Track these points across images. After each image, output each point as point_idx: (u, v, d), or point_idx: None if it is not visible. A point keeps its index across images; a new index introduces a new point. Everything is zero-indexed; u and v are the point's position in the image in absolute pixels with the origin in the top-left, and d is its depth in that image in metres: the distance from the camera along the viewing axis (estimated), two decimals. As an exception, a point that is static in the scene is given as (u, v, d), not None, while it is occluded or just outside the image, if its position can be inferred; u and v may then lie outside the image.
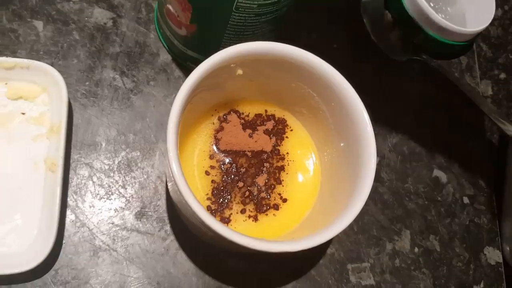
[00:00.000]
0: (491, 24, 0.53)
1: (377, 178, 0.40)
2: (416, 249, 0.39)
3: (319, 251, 0.37)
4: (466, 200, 0.42)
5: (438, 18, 0.43)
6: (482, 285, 0.40)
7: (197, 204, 0.27)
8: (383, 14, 0.45)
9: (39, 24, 0.38)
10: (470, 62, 0.47)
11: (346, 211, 0.29)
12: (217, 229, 0.27)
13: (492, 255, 0.41)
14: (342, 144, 0.33)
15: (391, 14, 0.46)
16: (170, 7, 0.34)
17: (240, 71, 0.33)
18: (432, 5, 0.46)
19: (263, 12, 0.32)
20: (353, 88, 0.30)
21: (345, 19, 0.45)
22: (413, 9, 0.44)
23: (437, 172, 0.42)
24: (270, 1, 0.31)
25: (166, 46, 0.40)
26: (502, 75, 0.52)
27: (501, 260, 0.41)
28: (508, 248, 0.42)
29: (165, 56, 0.39)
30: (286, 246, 0.27)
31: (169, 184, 0.34)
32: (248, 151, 0.36)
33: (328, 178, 0.35)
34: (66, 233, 0.34)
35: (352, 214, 0.29)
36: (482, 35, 0.52)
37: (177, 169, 0.27)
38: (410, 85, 0.45)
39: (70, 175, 0.35)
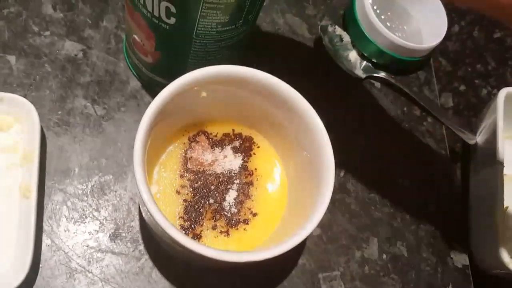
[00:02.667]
0: (449, 39, 0.56)
1: (344, 190, 0.42)
2: (384, 256, 0.41)
3: (291, 262, 0.39)
4: (431, 206, 0.44)
5: (392, 36, 0.46)
6: (450, 288, 0.41)
7: (165, 221, 0.28)
8: (341, 35, 0.48)
9: (12, 58, 0.40)
10: (428, 76, 0.50)
11: (308, 220, 0.30)
12: (186, 244, 0.28)
13: (459, 258, 0.43)
14: (304, 153, 0.34)
15: (349, 35, 0.48)
16: (136, 36, 0.36)
17: (204, 94, 0.35)
18: (388, 24, 0.49)
19: (222, 38, 0.34)
20: (308, 103, 0.32)
21: (307, 42, 0.48)
22: (369, 29, 0.47)
23: (400, 181, 0.44)
24: (227, 28, 0.33)
25: (135, 73, 0.41)
26: (462, 87, 0.55)
27: (468, 263, 0.43)
28: (476, 252, 0.44)
29: (134, 83, 0.41)
30: (247, 256, 0.29)
31: (140, 204, 0.36)
32: (217, 169, 0.37)
33: (294, 190, 0.37)
34: (42, 257, 0.35)
35: (314, 221, 0.30)
36: (441, 50, 0.55)
37: (145, 190, 0.28)
38: (371, 100, 0.47)
39: (44, 201, 0.36)
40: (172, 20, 0.32)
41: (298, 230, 0.30)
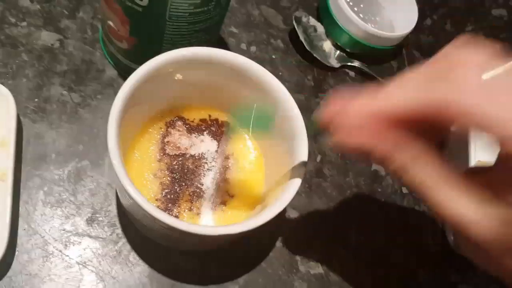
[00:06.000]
0: (422, 32, 0.58)
1: (320, 174, 0.43)
2: (361, 238, 0.41)
3: (269, 244, 0.39)
4: (405, 190, 0.45)
5: (365, 25, 0.47)
6: (426, 270, 0.42)
7: (140, 196, 0.28)
8: (315, 26, 0.49)
9: (-12, 49, 0.40)
10: (401, 66, 0.51)
11: (285, 193, 0.31)
12: (164, 219, 0.28)
13: (435, 241, 0.44)
14: (278, 131, 0.35)
15: (323, 26, 0.50)
16: (111, 23, 0.37)
17: (179, 76, 0.35)
18: (361, 16, 0.50)
19: (195, 20, 0.35)
20: (280, 82, 0.33)
21: (281, 33, 0.49)
22: (342, 19, 0.48)
23: (375, 166, 0.45)
24: (200, 10, 0.34)
25: (111, 62, 0.42)
26: (436, 79, 0.56)
27: (442, 245, 0.43)
28: (451, 235, 0.45)
29: (111, 72, 0.42)
30: (221, 229, 0.29)
31: (118, 188, 0.36)
32: (194, 153, 0.38)
33: (271, 172, 0.38)
34: (19, 241, 0.35)
35: (291, 192, 0.31)
36: (414, 43, 0.57)
37: (121, 172, 0.29)
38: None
39: (21, 186, 0.36)
40: (145, 2, 0.32)
41: (272, 206, 0.31)
